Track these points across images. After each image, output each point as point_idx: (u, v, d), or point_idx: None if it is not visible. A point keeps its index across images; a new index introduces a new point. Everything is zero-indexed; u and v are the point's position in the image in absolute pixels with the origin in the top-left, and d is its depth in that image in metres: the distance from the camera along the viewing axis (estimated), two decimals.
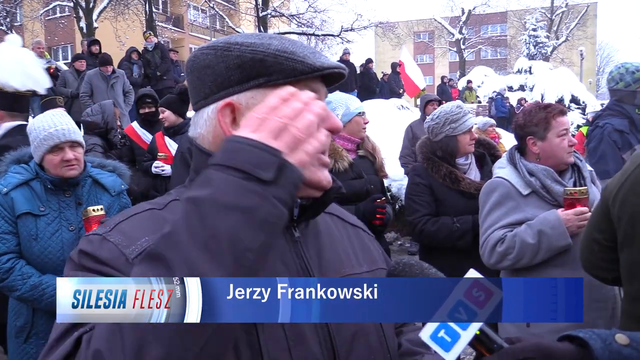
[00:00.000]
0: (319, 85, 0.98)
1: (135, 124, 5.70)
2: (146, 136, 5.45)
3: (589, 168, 2.74)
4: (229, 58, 0.95)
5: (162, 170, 4.85)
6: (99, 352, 0.70)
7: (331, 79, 1.01)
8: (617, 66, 3.75)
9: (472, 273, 0.81)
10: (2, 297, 2.69)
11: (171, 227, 0.75)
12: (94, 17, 18.86)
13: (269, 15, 22.95)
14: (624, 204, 1.73)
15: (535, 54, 34.71)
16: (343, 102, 3.25)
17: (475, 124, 3.44)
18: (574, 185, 2.50)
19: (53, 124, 2.58)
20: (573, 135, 3.63)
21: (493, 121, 8.72)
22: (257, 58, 0.93)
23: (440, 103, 7.35)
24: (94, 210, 2.47)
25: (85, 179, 2.71)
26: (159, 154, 4.90)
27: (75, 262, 0.88)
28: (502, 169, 2.62)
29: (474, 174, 3.24)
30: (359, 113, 3.27)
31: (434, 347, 0.76)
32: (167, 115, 5.02)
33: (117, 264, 0.85)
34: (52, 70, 10.97)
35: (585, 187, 2.44)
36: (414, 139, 6.68)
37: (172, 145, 5.01)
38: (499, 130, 9.28)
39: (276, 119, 0.79)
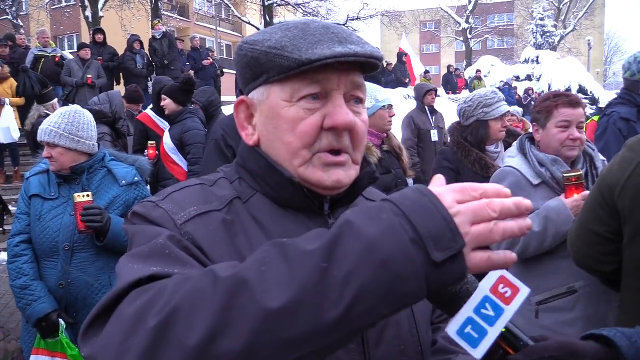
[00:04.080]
0: (327, 75, 0.93)
1: (150, 111, 5.73)
2: (163, 124, 5.49)
3: (602, 158, 2.70)
4: (242, 58, 1.00)
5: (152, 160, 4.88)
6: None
7: (368, 66, 0.96)
8: (632, 55, 3.75)
9: None
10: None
11: (316, 237, 0.69)
12: (100, 6, 18.79)
13: (275, 4, 22.81)
14: (638, 195, 1.70)
15: (543, 44, 34.39)
16: (370, 94, 3.06)
17: (509, 111, 3.40)
18: (586, 176, 2.47)
19: (49, 121, 2.73)
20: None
21: (518, 109, 8.56)
22: (255, 57, 0.95)
23: (453, 91, 7.29)
24: (79, 196, 2.59)
25: (99, 169, 2.81)
26: (150, 142, 4.94)
27: (129, 220, 0.96)
28: (512, 158, 2.59)
29: (501, 164, 3.22)
30: (384, 106, 3.09)
31: (461, 342, 0.75)
32: (167, 104, 5.05)
33: (166, 225, 0.90)
34: (57, 60, 10.97)
35: (580, 172, 2.37)
36: (416, 129, 6.64)
37: (166, 135, 5.05)
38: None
39: (489, 210, 0.69)
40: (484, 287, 0.77)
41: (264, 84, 0.96)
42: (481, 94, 3.24)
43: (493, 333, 0.75)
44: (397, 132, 3.47)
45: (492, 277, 0.77)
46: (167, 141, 5.04)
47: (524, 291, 0.77)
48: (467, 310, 0.76)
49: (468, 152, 3.16)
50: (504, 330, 0.77)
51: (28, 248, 2.70)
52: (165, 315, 0.66)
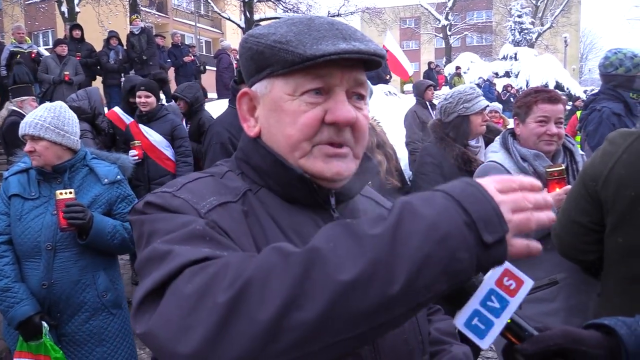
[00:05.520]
0: (331, 70, 0.94)
1: (117, 109, 5.65)
2: (129, 120, 5.41)
3: (581, 152, 2.76)
4: (246, 50, 1.01)
5: (135, 159, 4.78)
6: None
7: (371, 63, 0.98)
8: (613, 52, 3.78)
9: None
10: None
11: (380, 221, 0.73)
12: (76, 1, 18.44)
13: (255, 0, 22.66)
14: (620, 186, 1.75)
15: (521, 41, 34.83)
16: None
17: (488, 106, 3.46)
18: (566, 170, 2.52)
19: (33, 115, 2.68)
20: (565, 125, 3.66)
21: (499, 106, 8.70)
22: (259, 50, 0.96)
23: (435, 88, 7.38)
24: (61, 193, 2.55)
25: (80, 167, 2.77)
26: (132, 141, 4.87)
27: (139, 210, 0.92)
28: (495, 153, 2.63)
29: (483, 158, 3.26)
30: None
31: (468, 334, 0.78)
32: (152, 101, 5.01)
33: (188, 214, 0.88)
34: (33, 56, 10.75)
35: (562, 167, 2.41)
36: (420, 123, 6.66)
37: (149, 132, 4.98)
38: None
39: (526, 201, 0.76)
40: (490, 280, 0.79)
41: (268, 77, 0.98)
42: (460, 90, 3.32)
43: (499, 324, 0.78)
44: (389, 127, 3.46)
45: (497, 270, 0.79)
46: (157, 138, 4.99)
47: (528, 283, 0.79)
48: (473, 303, 0.79)
49: (451, 148, 3.21)
50: (509, 321, 0.80)
51: (9, 249, 2.64)
52: (237, 289, 0.68)
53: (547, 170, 2.38)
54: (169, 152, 5.07)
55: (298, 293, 0.66)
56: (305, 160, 0.97)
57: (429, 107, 7.04)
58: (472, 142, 3.28)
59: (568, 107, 16.31)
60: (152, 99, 5.04)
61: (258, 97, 1.01)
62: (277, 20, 1.03)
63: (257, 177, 1.02)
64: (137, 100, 5.01)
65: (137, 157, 4.80)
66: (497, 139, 2.74)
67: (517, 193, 0.76)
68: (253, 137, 1.03)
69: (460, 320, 0.78)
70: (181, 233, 0.83)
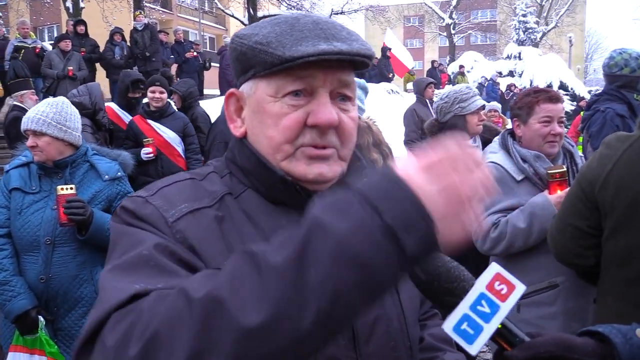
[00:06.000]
0: (312, 72, 0.91)
1: (114, 105, 5.62)
2: (127, 117, 5.38)
3: (581, 154, 2.75)
4: (232, 51, 1.00)
5: (150, 157, 4.79)
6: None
7: (358, 63, 0.95)
8: (618, 52, 3.72)
9: (494, 266, 0.80)
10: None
11: (285, 236, 0.69)
12: None
13: None
14: (620, 189, 1.74)
15: (525, 40, 34.69)
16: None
17: (484, 105, 3.44)
18: (567, 171, 2.51)
19: (36, 110, 2.69)
20: (567, 126, 3.62)
21: (498, 105, 8.64)
22: (243, 51, 0.95)
23: (436, 86, 7.29)
24: (62, 189, 2.56)
25: (81, 163, 2.77)
26: (146, 139, 4.83)
27: (117, 215, 0.94)
28: (494, 154, 2.60)
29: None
30: None
31: (457, 339, 0.76)
32: (165, 97, 5.02)
33: (156, 223, 0.89)
34: (37, 51, 10.78)
35: (564, 168, 2.41)
36: (420, 122, 6.55)
37: (161, 129, 4.96)
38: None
39: (453, 177, 0.70)
40: (480, 284, 0.78)
41: (252, 78, 0.97)
42: (456, 90, 3.31)
43: (489, 329, 0.76)
44: (384, 126, 3.42)
45: (488, 274, 0.78)
46: (170, 135, 4.97)
47: (520, 288, 0.77)
48: (463, 307, 0.77)
49: None
50: (500, 326, 0.78)
51: (8, 242, 2.64)
52: (145, 342, 0.66)
53: (549, 172, 2.36)
54: (180, 149, 5.06)
55: (204, 345, 0.64)
56: (288, 162, 0.95)
57: (429, 105, 6.97)
58: (469, 142, 3.27)
59: (572, 108, 16.26)
60: (165, 95, 5.05)
61: (244, 97, 1.00)
62: (264, 19, 1.01)
63: (243, 177, 1.01)
64: (151, 95, 4.95)
65: (151, 155, 4.77)
66: (496, 139, 2.71)
67: (444, 170, 0.71)
68: (239, 138, 1.03)
69: (449, 325, 0.76)
70: (129, 258, 0.83)
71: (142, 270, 0.80)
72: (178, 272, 0.81)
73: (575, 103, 16.79)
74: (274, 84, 0.93)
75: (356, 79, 3.16)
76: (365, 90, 3.12)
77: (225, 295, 0.65)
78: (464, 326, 0.76)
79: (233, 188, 1.00)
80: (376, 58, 18.06)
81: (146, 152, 4.76)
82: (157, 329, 0.66)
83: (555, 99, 2.52)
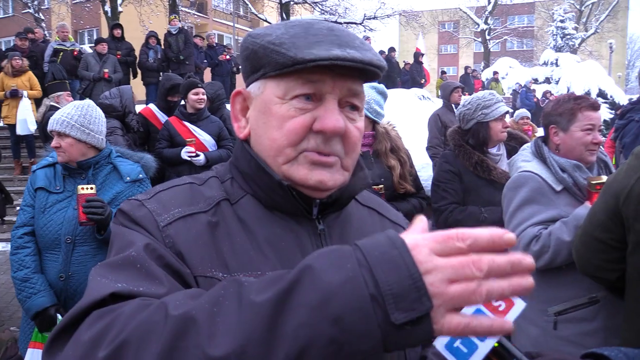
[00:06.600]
0: (323, 77, 0.90)
1: (152, 106, 5.73)
2: (165, 119, 5.46)
3: (613, 164, 2.66)
4: (243, 50, 0.99)
5: (194, 157, 4.81)
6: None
7: (368, 73, 0.93)
8: None
9: None
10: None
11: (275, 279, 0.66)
12: (119, 1, 18.97)
13: (292, 2, 22.80)
14: None
15: (563, 46, 33.93)
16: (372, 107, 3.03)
17: (508, 112, 3.35)
18: None
19: (61, 112, 2.75)
20: (604, 134, 3.49)
21: (527, 112, 8.46)
22: (254, 50, 0.95)
23: (464, 90, 7.12)
24: (82, 188, 2.62)
25: (104, 165, 2.83)
26: (189, 139, 4.88)
27: (116, 217, 0.96)
28: (528, 162, 2.50)
29: (504, 167, 3.15)
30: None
31: (449, 357, 0.71)
32: (205, 99, 5.06)
33: (148, 227, 0.90)
34: (75, 53, 11.11)
35: (605, 179, 2.29)
36: (443, 127, 6.40)
37: (197, 131, 5.01)
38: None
39: (473, 268, 0.61)
40: None
41: (261, 78, 0.96)
42: (479, 96, 3.22)
43: (484, 348, 0.71)
44: (399, 127, 3.37)
45: None
46: (206, 137, 5.02)
47: (519, 304, 0.72)
48: None
49: (469, 155, 3.12)
50: (496, 344, 0.73)
51: (31, 240, 2.71)
52: (114, 347, 0.66)
53: (592, 182, 2.28)
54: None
55: None
56: (289, 166, 0.94)
57: (455, 110, 6.81)
58: (493, 150, 3.18)
59: (610, 116, 15.77)
60: (206, 97, 5.11)
61: (251, 97, 1.00)
62: (279, 22, 1.01)
63: (244, 182, 1.00)
64: (195, 97, 4.99)
65: (194, 154, 4.80)
66: (527, 147, 2.63)
67: (461, 257, 0.61)
68: (242, 140, 1.02)
69: (441, 342, 0.71)
70: (118, 258, 0.84)
71: (128, 271, 0.81)
72: (161, 278, 0.82)
73: (613, 111, 16.28)
74: (283, 85, 0.93)
75: (375, 84, 3.14)
76: (384, 95, 3.08)
77: (201, 320, 0.64)
78: (457, 344, 0.71)
79: (232, 194, 0.99)
80: (408, 63, 17.97)
81: (189, 152, 4.81)
82: (129, 337, 0.66)
83: (597, 107, 2.45)
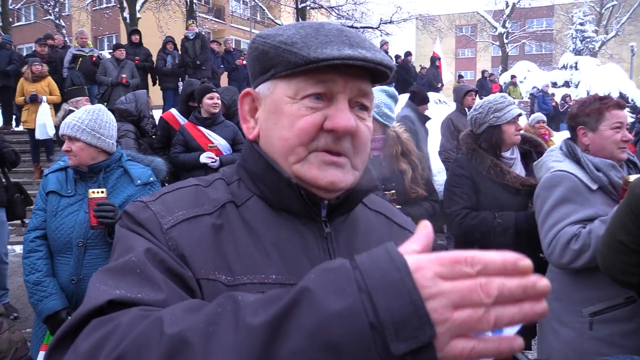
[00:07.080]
0: (334, 77, 0.91)
1: (174, 111, 5.79)
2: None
3: None
4: (252, 50, 0.99)
5: (213, 162, 4.85)
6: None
7: (378, 74, 0.94)
8: None
9: None
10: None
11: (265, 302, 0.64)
12: (137, 7, 19.24)
13: (309, 7, 22.90)
14: None
15: (582, 49, 33.53)
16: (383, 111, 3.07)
17: (521, 114, 3.30)
18: None
19: (72, 116, 2.77)
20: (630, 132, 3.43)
21: (543, 116, 8.39)
22: (265, 50, 0.95)
23: (477, 93, 7.04)
24: (93, 192, 2.65)
25: (115, 168, 2.85)
26: (210, 144, 4.92)
27: (121, 219, 0.96)
28: (560, 162, 2.49)
29: (518, 170, 3.12)
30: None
31: None
32: (220, 104, 5.09)
33: (152, 229, 0.90)
34: (94, 59, 11.28)
35: None
36: (455, 132, 6.35)
37: (212, 135, 5.05)
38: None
39: (481, 293, 0.56)
40: None
41: (271, 79, 0.96)
42: (490, 100, 3.18)
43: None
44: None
45: None
46: (221, 142, 5.06)
47: None
48: None
49: (482, 159, 3.07)
50: None
51: (43, 244, 2.74)
52: None
53: (628, 180, 2.23)
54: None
55: None
56: (300, 166, 0.93)
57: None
58: (507, 154, 3.12)
59: (632, 120, 15.50)
60: (220, 102, 5.15)
61: (260, 98, 1.00)
62: (289, 24, 1.01)
63: (251, 183, 1.00)
64: (210, 102, 5.02)
65: (213, 160, 4.85)
66: (555, 148, 2.64)
67: (469, 281, 0.57)
68: (251, 141, 1.02)
69: None
70: (119, 263, 0.84)
71: (127, 277, 0.81)
72: (160, 284, 0.81)
73: (635, 115, 16.00)
74: (294, 85, 0.93)
75: (386, 87, 3.12)
76: (394, 99, 3.05)
77: (195, 341, 0.62)
78: None
79: (239, 195, 0.99)
80: (425, 67, 17.92)
81: (209, 157, 4.84)
82: (125, 351, 0.65)
83: (623, 106, 2.50)
